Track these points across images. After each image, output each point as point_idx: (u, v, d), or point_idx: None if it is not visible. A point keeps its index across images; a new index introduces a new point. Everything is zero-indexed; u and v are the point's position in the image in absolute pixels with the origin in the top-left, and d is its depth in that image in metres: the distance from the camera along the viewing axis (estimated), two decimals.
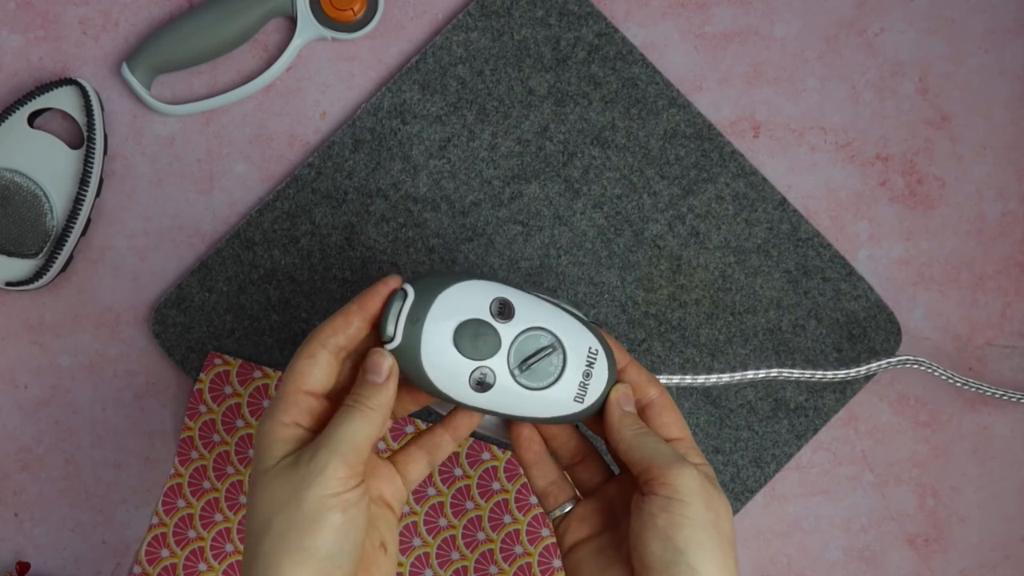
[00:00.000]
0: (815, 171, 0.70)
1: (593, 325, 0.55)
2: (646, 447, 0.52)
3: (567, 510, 0.56)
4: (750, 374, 0.57)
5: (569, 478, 0.58)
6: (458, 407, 0.55)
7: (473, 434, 0.68)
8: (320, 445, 0.49)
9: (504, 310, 0.53)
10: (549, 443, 0.57)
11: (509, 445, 0.66)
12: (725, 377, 0.57)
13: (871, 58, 0.70)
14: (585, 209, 0.69)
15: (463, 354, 0.52)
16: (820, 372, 0.60)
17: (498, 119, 0.69)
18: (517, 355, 0.53)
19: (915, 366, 0.65)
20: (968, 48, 0.70)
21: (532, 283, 0.69)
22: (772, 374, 0.58)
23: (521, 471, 0.68)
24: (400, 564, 0.68)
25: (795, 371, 0.59)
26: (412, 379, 0.52)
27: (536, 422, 0.55)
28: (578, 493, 0.57)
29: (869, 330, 0.69)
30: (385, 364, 0.51)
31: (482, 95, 0.69)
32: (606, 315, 0.69)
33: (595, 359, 0.54)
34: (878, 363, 0.63)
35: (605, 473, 0.57)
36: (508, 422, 0.57)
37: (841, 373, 0.61)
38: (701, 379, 0.56)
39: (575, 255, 0.69)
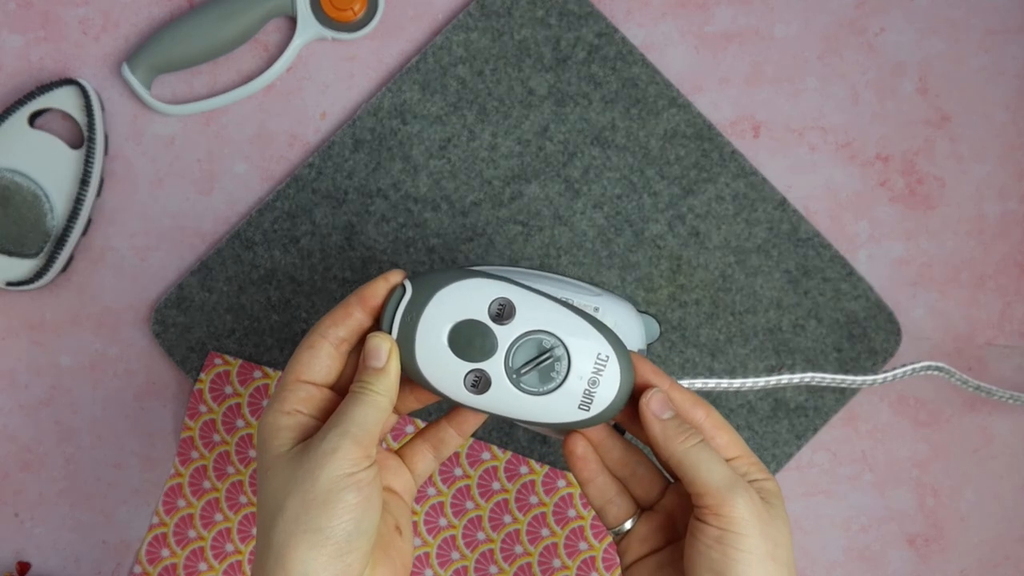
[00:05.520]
0: (815, 171, 0.70)
1: (610, 330, 0.52)
2: (699, 467, 0.50)
3: (627, 528, 0.54)
4: (784, 378, 0.57)
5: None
6: None
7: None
8: (330, 427, 0.49)
9: (504, 311, 0.51)
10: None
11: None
12: (761, 381, 0.55)
13: (871, 58, 0.70)
14: (585, 209, 0.69)
15: (458, 355, 0.51)
16: (851, 377, 0.59)
17: (498, 119, 0.69)
18: (516, 358, 0.51)
19: (935, 372, 0.65)
20: (968, 48, 0.70)
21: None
22: (806, 379, 0.57)
23: (522, 471, 0.68)
24: None
25: (827, 376, 0.58)
26: (409, 375, 0.52)
27: (540, 427, 0.54)
28: (640, 505, 0.55)
29: (869, 330, 0.69)
30: (384, 348, 0.51)
31: (482, 95, 0.69)
32: None
33: (604, 365, 0.51)
34: (903, 368, 0.63)
35: (661, 483, 0.55)
36: (565, 432, 0.55)
37: (870, 379, 0.61)
38: (737, 383, 0.55)
39: (575, 255, 0.69)
